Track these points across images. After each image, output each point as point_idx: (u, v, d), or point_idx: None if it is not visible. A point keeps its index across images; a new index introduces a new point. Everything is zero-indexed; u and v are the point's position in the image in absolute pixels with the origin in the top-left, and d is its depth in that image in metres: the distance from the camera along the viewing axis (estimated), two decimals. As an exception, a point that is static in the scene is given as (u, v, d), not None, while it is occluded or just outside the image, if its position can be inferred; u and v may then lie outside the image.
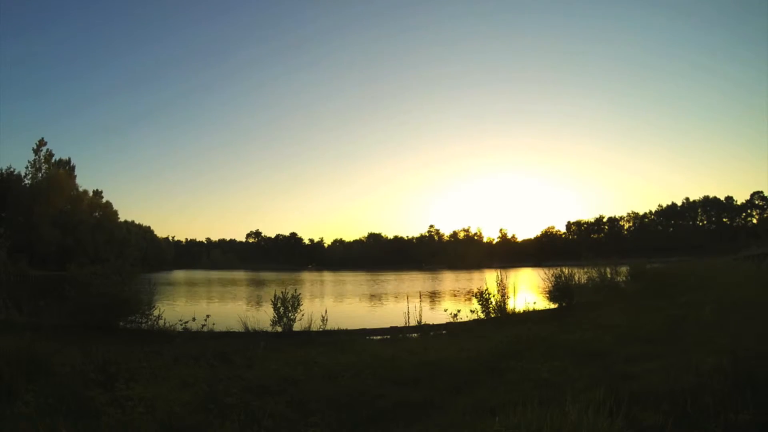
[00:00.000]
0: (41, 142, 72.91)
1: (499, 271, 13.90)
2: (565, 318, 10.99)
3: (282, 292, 11.03)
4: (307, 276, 64.95)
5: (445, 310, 12.35)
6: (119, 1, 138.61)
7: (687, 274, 16.74)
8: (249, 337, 9.52)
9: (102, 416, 4.08)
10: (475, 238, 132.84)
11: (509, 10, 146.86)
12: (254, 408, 4.37)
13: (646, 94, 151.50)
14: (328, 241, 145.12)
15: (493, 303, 12.52)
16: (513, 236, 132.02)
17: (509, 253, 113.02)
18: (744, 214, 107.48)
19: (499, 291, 12.79)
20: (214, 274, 72.20)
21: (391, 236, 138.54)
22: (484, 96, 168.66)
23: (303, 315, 10.86)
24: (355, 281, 47.29)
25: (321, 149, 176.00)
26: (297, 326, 10.70)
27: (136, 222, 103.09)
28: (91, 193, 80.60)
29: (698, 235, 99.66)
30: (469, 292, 19.63)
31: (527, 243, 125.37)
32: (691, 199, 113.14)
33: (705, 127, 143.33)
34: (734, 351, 4.89)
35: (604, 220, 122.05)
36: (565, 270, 14.80)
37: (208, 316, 9.98)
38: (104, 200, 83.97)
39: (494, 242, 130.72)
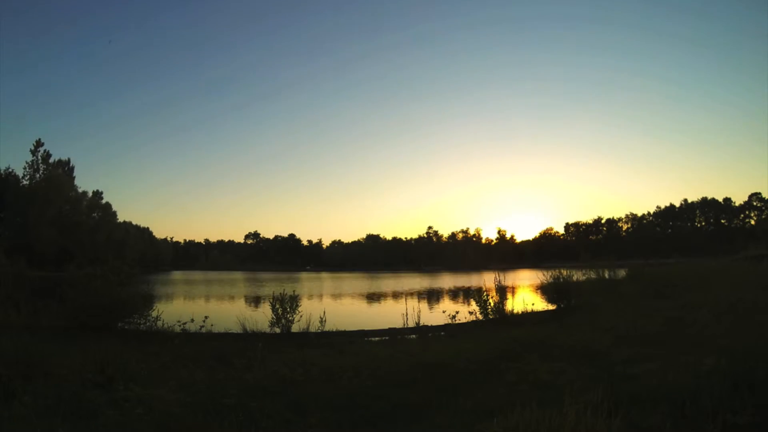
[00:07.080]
0: (38, 143, 72.44)
1: (497, 272, 13.90)
2: (563, 319, 10.99)
3: (280, 294, 11.03)
4: (306, 277, 64.86)
5: (444, 312, 12.34)
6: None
7: (685, 275, 16.76)
8: (247, 338, 9.51)
9: (100, 417, 4.07)
10: (474, 239, 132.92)
11: (509, 18, 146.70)
12: (253, 409, 4.36)
13: (644, 96, 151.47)
14: (326, 243, 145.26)
15: (492, 304, 12.50)
16: (512, 237, 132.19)
17: (508, 254, 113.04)
18: (742, 215, 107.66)
19: (497, 292, 12.78)
20: (213, 275, 72.06)
21: (389, 237, 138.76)
22: (484, 98, 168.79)
23: (301, 316, 10.87)
24: (353, 282, 47.23)
25: (320, 150, 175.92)
26: (295, 327, 10.70)
27: (135, 223, 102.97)
28: (90, 194, 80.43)
29: (696, 237, 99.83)
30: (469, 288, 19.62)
31: (526, 244, 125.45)
32: (690, 201, 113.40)
33: (703, 128, 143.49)
34: (732, 352, 4.90)
35: (603, 221, 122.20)
36: (564, 271, 14.81)
37: (206, 317, 9.98)
38: (104, 201, 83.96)
39: (493, 243, 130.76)
